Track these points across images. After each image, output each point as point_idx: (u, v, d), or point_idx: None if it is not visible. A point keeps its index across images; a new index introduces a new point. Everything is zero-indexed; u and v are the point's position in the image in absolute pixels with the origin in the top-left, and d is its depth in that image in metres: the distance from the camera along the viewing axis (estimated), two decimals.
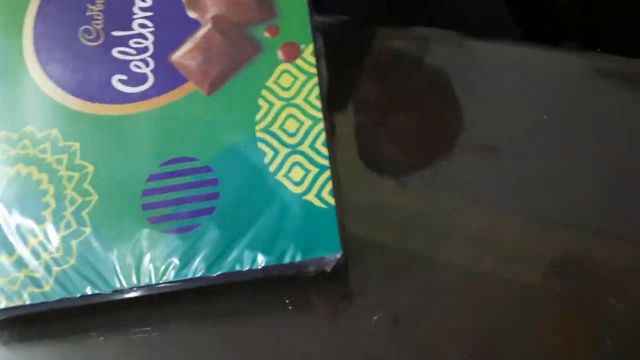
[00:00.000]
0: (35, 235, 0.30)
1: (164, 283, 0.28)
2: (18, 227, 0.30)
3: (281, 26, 0.32)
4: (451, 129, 0.35)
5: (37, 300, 0.28)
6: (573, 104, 0.35)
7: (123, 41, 0.33)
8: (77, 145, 0.31)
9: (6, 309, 0.29)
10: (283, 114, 0.30)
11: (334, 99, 0.33)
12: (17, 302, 0.29)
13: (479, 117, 0.34)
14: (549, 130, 0.33)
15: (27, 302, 0.29)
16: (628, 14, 0.75)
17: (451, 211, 0.31)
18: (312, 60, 0.31)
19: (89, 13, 0.34)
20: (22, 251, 0.29)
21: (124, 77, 0.32)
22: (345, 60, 0.35)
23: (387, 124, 0.34)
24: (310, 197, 0.29)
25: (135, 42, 0.33)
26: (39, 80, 0.33)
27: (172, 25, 0.33)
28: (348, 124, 0.34)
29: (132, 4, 0.34)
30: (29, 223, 0.30)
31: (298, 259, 0.28)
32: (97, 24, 0.34)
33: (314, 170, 0.29)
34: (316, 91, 0.30)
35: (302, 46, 0.32)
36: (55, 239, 0.29)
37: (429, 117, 0.35)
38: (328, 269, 0.28)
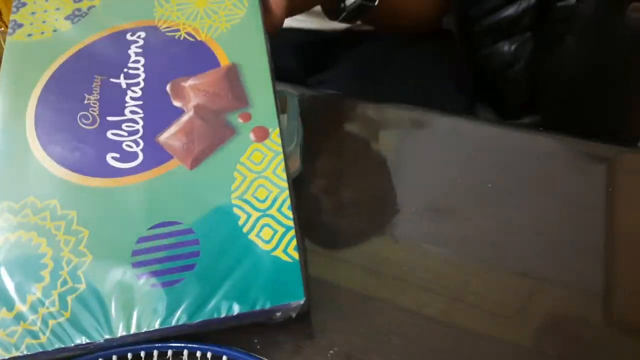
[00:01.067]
0: (33, 293, 0.33)
1: (149, 331, 0.32)
2: (18, 285, 0.34)
3: (252, 113, 0.39)
4: (405, 193, 0.42)
5: (34, 351, 0.32)
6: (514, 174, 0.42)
7: (117, 125, 0.39)
8: (74, 213, 0.36)
9: None
10: (255, 184, 0.36)
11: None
12: (14, 354, 0.32)
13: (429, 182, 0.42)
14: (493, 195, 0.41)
15: (25, 353, 0.32)
16: (576, 96, 0.84)
17: (403, 261, 0.37)
18: (278, 140, 0.38)
19: (86, 101, 0.40)
20: (21, 307, 0.33)
21: (117, 155, 0.38)
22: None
23: (346, 187, 0.41)
24: (279, 252, 0.34)
25: (127, 126, 0.39)
26: (40, 158, 0.38)
27: (159, 111, 0.40)
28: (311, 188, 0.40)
29: (125, 94, 0.41)
30: (28, 282, 0.34)
31: (268, 306, 0.33)
32: (93, 111, 0.40)
33: (281, 230, 0.35)
34: (282, 165, 0.37)
35: (270, 129, 0.38)
36: (52, 295, 0.33)
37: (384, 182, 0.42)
38: (293, 315, 0.33)
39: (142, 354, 0.33)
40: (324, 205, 0.43)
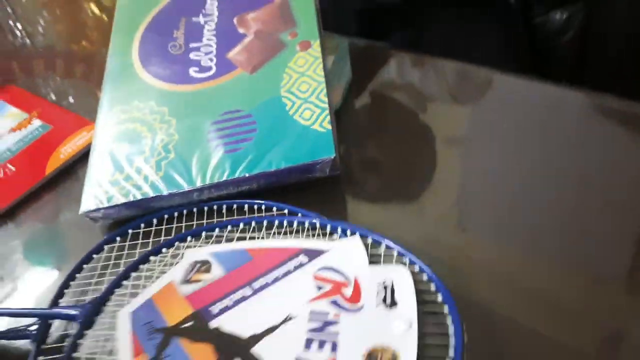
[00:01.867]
0: (138, 162, 0.46)
1: (221, 181, 0.43)
2: (127, 157, 0.46)
3: (298, 32, 0.49)
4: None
5: (139, 198, 0.44)
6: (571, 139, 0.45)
7: (197, 49, 0.51)
8: (165, 109, 0.48)
9: (119, 205, 0.44)
10: (299, 81, 0.46)
11: None
12: (127, 199, 0.44)
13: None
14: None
15: (132, 199, 0.44)
16: (626, 56, 0.85)
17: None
18: (318, 49, 0.48)
19: (174, 35, 0.53)
20: (129, 171, 0.45)
21: (197, 69, 0.50)
22: None
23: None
24: (315, 126, 0.44)
25: (205, 49, 0.51)
26: (143, 76, 0.51)
27: (228, 37, 0.51)
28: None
29: (203, 27, 0.53)
30: (134, 155, 0.46)
31: (308, 160, 0.42)
32: (179, 41, 0.53)
33: (317, 111, 0.44)
34: (320, 66, 0.47)
35: (312, 42, 0.48)
36: (150, 162, 0.45)
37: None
38: (327, 170, 0.43)
39: (235, 206, 0.43)
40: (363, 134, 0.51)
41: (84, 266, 0.42)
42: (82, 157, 0.53)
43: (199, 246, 0.40)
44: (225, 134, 0.45)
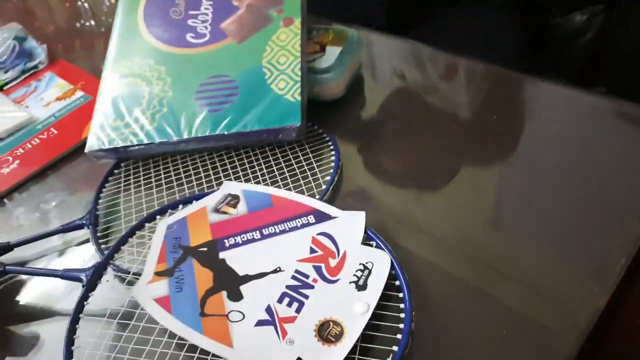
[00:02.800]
0: (136, 111, 0.53)
1: (203, 136, 0.50)
2: (127, 107, 0.53)
3: (284, 8, 0.56)
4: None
5: (136, 143, 0.51)
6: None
7: (194, 16, 0.58)
8: (163, 68, 0.55)
9: (118, 148, 0.52)
10: (279, 54, 0.53)
11: None
12: (126, 143, 0.51)
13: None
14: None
15: (129, 144, 0.51)
16: None
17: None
18: (299, 27, 0.54)
19: (176, 1, 0.60)
20: (128, 119, 0.53)
21: (193, 34, 0.56)
22: None
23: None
24: (288, 96, 0.50)
25: (201, 17, 0.58)
26: (145, 36, 0.58)
27: (223, 8, 0.57)
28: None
29: None
30: (133, 105, 0.53)
31: (277, 125, 0.49)
32: (180, 7, 0.59)
33: (291, 82, 0.51)
34: (298, 43, 0.53)
35: (294, 19, 0.55)
36: (146, 113, 0.53)
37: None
38: (294, 134, 0.50)
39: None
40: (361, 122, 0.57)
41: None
42: None
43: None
44: (211, 95, 0.52)
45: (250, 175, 0.51)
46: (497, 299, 0.39)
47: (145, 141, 0.52)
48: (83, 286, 0.40)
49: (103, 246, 0.47)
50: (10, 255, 0.48)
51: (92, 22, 0.86)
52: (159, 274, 0.40)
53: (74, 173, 0.58)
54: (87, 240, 0.49)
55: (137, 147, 0.52)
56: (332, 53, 0.56)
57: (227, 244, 0.42)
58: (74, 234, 0.50)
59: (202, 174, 0.52)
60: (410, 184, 0.49)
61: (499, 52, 0.80)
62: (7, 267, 0.44)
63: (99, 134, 0.53)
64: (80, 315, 0.39)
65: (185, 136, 0.51)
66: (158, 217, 0.45)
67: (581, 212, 0.43)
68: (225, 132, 0.50)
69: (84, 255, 0.48)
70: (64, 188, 0.56)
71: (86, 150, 0.53)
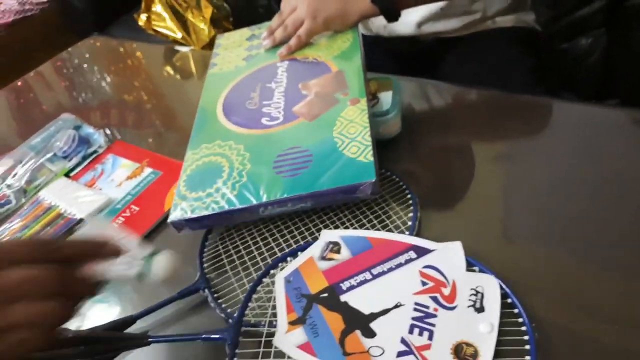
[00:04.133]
0: (217, 184, 0.57)
1: (282, 198, 0.53)
2: (209, 180, 0.58)
3: (349, 91, 0.62)
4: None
5: (218, 211, 0.55)
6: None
7: (268, 105, 0.65)
8: (242, 146, 0.60)
9: (200, 217, 0.55)
10: (348, 126, 0.58)
11: None
12: (208, 211, 0.55)
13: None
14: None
15: (211, 212, 0.55)
16: None
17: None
18: (365, 104, 0.59)
19: (251, 95, 0.67)
20: (209, 190, 0.57)
21: (268, 118, 0.63)
22: None
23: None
24: (361, 158, 0.54)
25: (274, 104, 0.65)
26: (224, 122, 0.65)
27: (293, 96, 0.65)
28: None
29: (274, 90, 0.67)
30: (215, 178, 0.57)
31: (353, 182, 0.52)
32: (255, 99, 0.66)
33: (362, 147, 0.55)
34: (366, 117, 0.58)
35: (360, 99, 0.60)
36: (227, 184, 0.56)
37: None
38: (369, 191, 0.52)
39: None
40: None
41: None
42: None
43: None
44: (287, 164, 0.56)
45: (338, 222, 0.56)
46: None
47: (227, 207, 0.55)
48: (228, 344, 0.43)
49: (224, 305, 0.50)
50: (133, 328, 0.50)
51: (144, 97, 0.93)
52: (292, 323, 0.44)
53: (165, 243, 0.61)
54: (200, 304, 0.52)
55: (218, 215, 0.55)
56: (386, 97, 0.65)
57: (344, 288, 0.46)
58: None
59: (294, 230, 0.57)
60: (485, 209, 0.56)
61: (514, 81, 0.88)
62: (149, 338, 0.45)
63: (182, 205, 0.57)
64: None
65: (264, 200, 0.54)
66: (272, 271, 0.50)
67: None
68: (302, 193, 0.53)
69: (202, 318, 0.51)
70: None
71: (169, 219, 0.56)
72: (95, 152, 0.80)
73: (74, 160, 0.78)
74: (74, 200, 0.70)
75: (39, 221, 0.68)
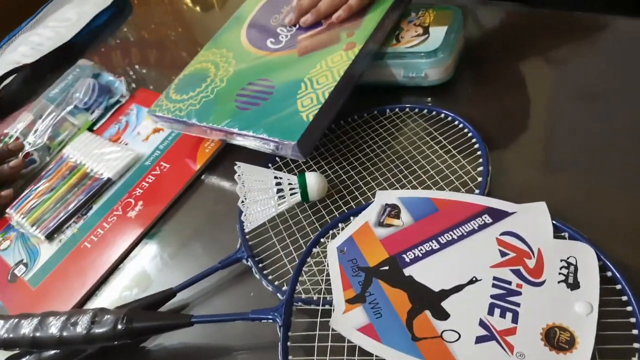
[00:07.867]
0: (194, 92, 0.57)
1: (222, 127, 0.52)
2: (192, 85, 0.58)
3: (355, 32, 0.53)
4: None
5: (179, 118, 0.56)
6: None
7: (285, 25, 0.60)
8: (234, 61, 0.58)
9: (165, 117, 0.57)
10: (323, 73, 0.51)
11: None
12: (171, 115, 0.57)
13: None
14: None
15: (173, 116, 0.57)
16: None
17: None
18: (356, 53, 0.51)
19: (281, 11, 0.62)
20: (186, 96, 0.58)
21: (273, 40, 0.59)
22: None
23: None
24: (303, 114, 0.48)
25: (289, 28, 0.59)
26: (242, 33, 0.62)
27: (309, 27, 0.58)
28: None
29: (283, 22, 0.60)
30: (196, 86, 0.57)
31: (278, 137, 0.47)
32: (280, 17, 0.62)
33: (314, 102, 0.48)
34: (344, 68, 0.50)
35: (357, 45, 0.52)
36: (199, 96, 0.56)
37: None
38: (289, 152, 0.47)
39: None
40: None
41: None
42: (223, 151, 0.60)
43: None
44: (249, 94, 0.54)
45: (393, 180, 0.49)
46: None
47: (185, 119, 0.55)
48: (280, 327, 0.38)
49: (270, 277, 0.45)
50: (173, 301, 0.47)
51: (167, 32, 0.85)
52: (350, 301, 0.38)
53: (201, 206, 0.56)
54: (242, 274, 0.48)
55: (182, 122, 0.56)
56: (438, 33, 0.53)
57: (407, 259, 0.39)
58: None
59: (343, 189, 0.50)
60: (570, 159, 0.46)
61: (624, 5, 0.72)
62: (193, 318, 0.41)
63: (164, 102, 0.59)
64: (290, 358, 0.37)
65: (206, 124, 0.53)
66: (322, 239, 0.44)
67: None
68: (236, 130, 0.51)
69: (246, 289, 0.46)
70: (196, 223, 0.55)
71: (148, 110, 0.59)
72: (118, 102, 0.73)
73: (96, 113, 0.72)
74: (100, 157, 0.65)
75: (65, 181, 0.64)
